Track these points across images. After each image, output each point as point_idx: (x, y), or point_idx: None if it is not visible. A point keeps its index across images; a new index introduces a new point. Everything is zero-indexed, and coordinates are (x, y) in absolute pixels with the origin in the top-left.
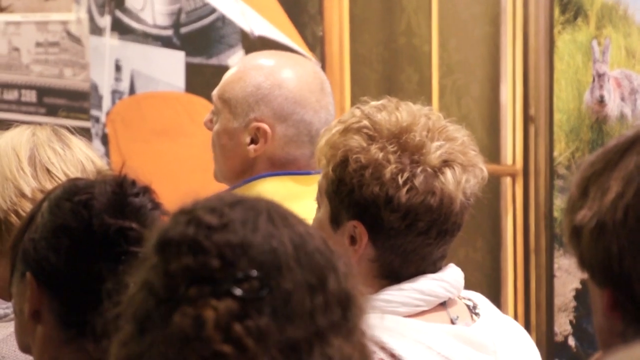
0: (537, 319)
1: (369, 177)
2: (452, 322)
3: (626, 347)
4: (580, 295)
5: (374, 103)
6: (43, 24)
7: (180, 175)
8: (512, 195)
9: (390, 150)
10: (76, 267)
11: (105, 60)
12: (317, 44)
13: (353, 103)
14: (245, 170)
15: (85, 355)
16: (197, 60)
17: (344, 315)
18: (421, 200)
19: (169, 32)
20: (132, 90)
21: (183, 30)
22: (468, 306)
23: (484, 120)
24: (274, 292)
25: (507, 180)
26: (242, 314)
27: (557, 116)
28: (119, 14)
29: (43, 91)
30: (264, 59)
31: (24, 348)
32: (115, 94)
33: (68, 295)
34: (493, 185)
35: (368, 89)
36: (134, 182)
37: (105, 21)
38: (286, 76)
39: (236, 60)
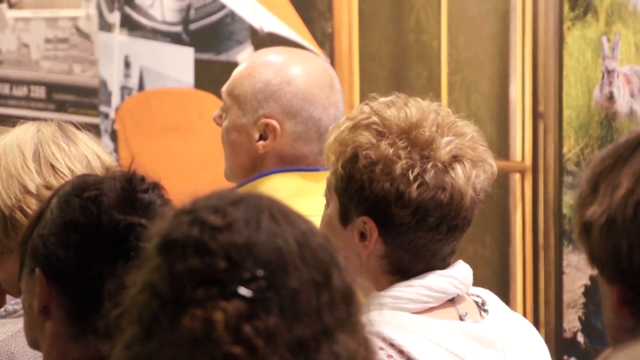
0: (546, 315)
1: (379, 173)
2: (461, 319)
3: (636, 343)
4: (589, 292)
5: (382, 99)
6: (52, 20)
7: (189, 172)
8: (521, 191)
9: (401, 146)
10: (85, 263)
11: (114, 56)
12: (326, 41)
13: (362, 99)
14: (254, 166)
15: (93, 351)
16: (206, 56)
17: (347, 310)
18: (432, 195)
19: (178, 29)
20: (141, 87)
21: (192, 26)
22: (477, 303)
23: (493, 116)
24: (281, 291)
25: (516, 177)
26: (251, 315)
27: (566, 112)
28: (128, 10)
29: (52, 87)
30: (274, 55)
31: (33, 344)
32: (125, 90)
33: (77, 291)
34: (502, 182)
35: (377, 85)
36: (143, 178)
37: (114, 17)
38: (295, 73)
39: (245, 57)
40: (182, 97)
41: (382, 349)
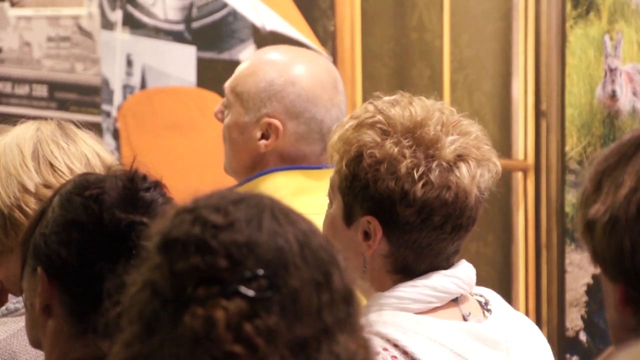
0: (548, 314)
1: (384, 172)
2: (464, 319)
3: (639, 342)
4: (592, 290)
5: (386, 98)
6: (54, 18)
7: (192, 170)
8: (523, 190)
9: (405, 144)
10: (87, 262)
11: (116, 54)
12: (328, 39)
13: (364, 98)
14: (255, 164)
15: (95, 349)
16: (208, 55)
17: (347, 311)
18: (437, 194)
19: (180, 27)
20: (143, 85)
21: (194, 24)
22: (480, 302)
23: (495, 115)
24: (282, 291)
25: (519, 175)
26: (252, 314)
27: (568, 111)
28: (130, 8)
29: (54, 86)
30: (278, 54)
31: (35, 343)
32: (127, 88)
33: (79, 290)
34: (504, 180)
35: (379, 84)
36: (145, 177)
37: (116, 16)
38: (300, 73)
39: (248, 55)
40: (184, 95)
41: (386, 349)
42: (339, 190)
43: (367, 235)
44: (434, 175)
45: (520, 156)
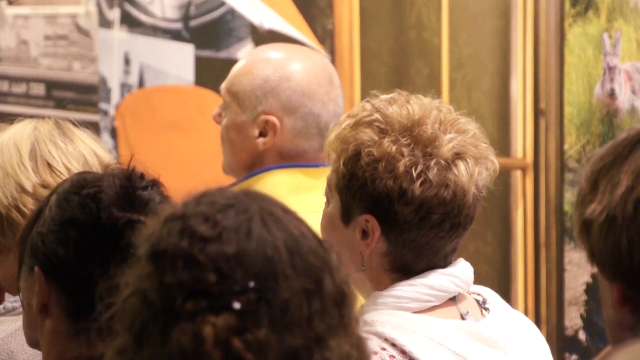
0: (547, 313)
1: (382, 171)
2: (462, 318)
3: (636, 341)
4: (591, 289)
5: (384, 97)
6: (52, 17)
7: (190, 169)
8: (522, 188)
9: (403, 143)
10: (84, 261)
11: (114, 53)
12: (327, 37)
13: (363, 96)
14: (254, 163)
15: (93, 349)
16: (206, 53)
17: (340, 313)
18: (435, 193)
19: (178, 25)
20: (141, 84)
21: (192, 23)
22: (478, 301)
23: (494, 113)
24: (272, 302)
25: (518, 174)
26: (241, 328)
27: (567, 109)
28: (127, 6)
29: (51, 84)
30: (272, 51)
31: (32, 342)
32: (124, 87)
33: (76, 289)
34: (503, 179)
35: (378, 82)
36: (142, 176)
37: (114, 14)
38: (294, 69)
39: (246, 54)
40: (182, 94)
41: (384, 349)
42: (337, 189)
43: (365, 234)
44: (432, 174)
45: (519, 155)
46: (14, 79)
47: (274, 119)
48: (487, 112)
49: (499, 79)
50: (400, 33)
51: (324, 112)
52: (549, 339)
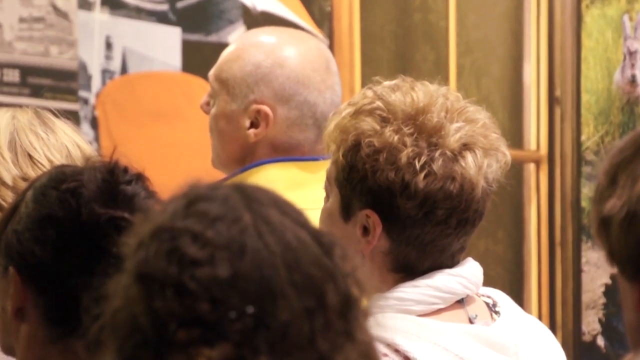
0: (563, 317)
1: (383, 162)
2: (471, 321)
3: None
4: (610, 291)
5: (387, 83)
6: None
7: (177, 162)
8: (536, 183)
9: (406, 132)
10: (63, 260)
11: (94, 37)
12: (324, 20)
13: (364, 84)
14: (245, 156)
15: (73, 355)
16: (194, 37)
17: (345, 320)
18: (440, 186)
19: (164, 7)
20: (124, 70)
21: (179, 4)
22: (487, 304)
23: (505, 102)
24: (270, 327)
25: (531, 167)
26: (238, 358)
27: (584, 97)
28: None
29: (27, 70)
30: (264, 35)
31: (7, 349)
32: (106, 73)
33: (55, 291)
34: (515, 173)
35: (380, 68)
36: (126, 169)
37: None
38: (288, 54)
39: (237, 37)
40: (168, 81)
41: (386, 355)
42: (336, 182)
43: (366, 231)
44: (437, 166)
45: (533, 146)
46: None
47: (266, 108)
48: (497, 100)
49: (510, 65)
50: (404, 15)
51: (320, 100)
52: (564, 346)
